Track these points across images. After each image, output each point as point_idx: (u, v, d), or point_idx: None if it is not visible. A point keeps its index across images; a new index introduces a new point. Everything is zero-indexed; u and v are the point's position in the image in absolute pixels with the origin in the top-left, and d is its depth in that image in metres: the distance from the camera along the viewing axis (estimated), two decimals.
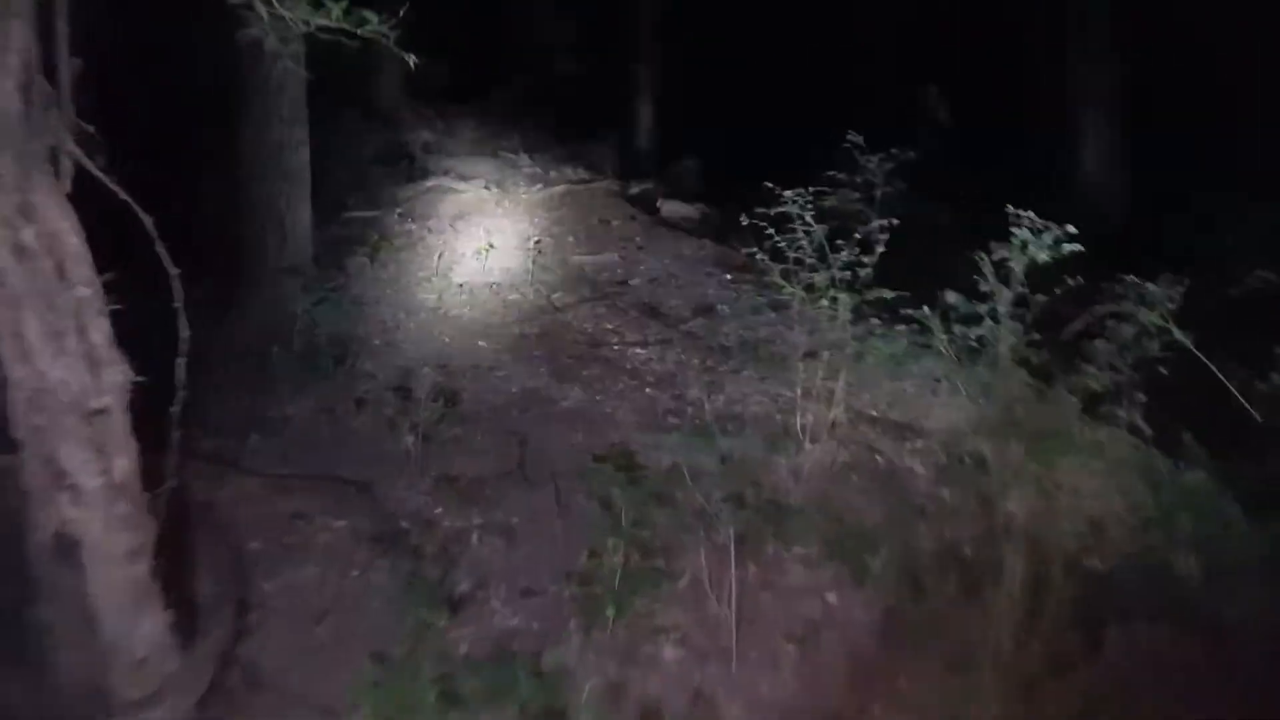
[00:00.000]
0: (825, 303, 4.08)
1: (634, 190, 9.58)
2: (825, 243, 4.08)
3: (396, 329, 5.69)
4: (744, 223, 4.22)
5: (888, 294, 4.03)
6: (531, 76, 11.78)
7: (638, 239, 7.46)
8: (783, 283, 4.12)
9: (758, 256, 4.17)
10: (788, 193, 4.10)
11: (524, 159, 10.68)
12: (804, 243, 4.06)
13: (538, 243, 7.12)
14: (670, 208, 8.51)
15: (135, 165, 2.84)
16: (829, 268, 4.09)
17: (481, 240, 6.86)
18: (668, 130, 10.34)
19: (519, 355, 5.43)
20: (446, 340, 5.64)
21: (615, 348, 5.57)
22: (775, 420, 4.43)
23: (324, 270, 5.90)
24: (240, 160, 5.58)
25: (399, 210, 8.45)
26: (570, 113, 10.95)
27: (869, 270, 4.04)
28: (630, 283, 6.59)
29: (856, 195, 5.45)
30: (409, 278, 6.42)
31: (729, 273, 6.78)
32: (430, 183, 9.37)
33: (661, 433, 4.41)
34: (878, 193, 5.39)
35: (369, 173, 9.69)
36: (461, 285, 6.26)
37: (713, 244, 7.49)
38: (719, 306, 6.12)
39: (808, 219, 4.08)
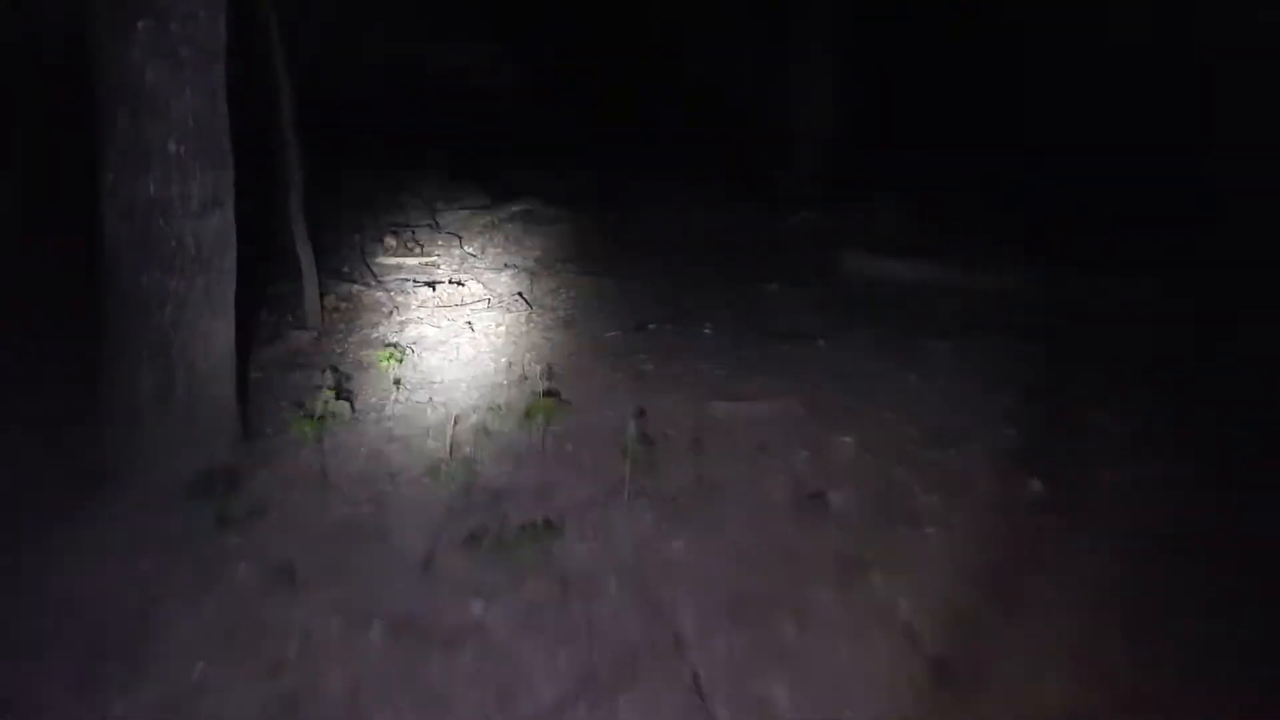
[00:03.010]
0: None
1: (793, 221, 6.76)
2: None
3: None
4: None
5: None
6: (678, 49, 9.20)
7: (823, 342, 4.27)
8: None
9: None
10: None
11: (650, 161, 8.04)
12: None
13: (640, 419, 3.33)
14: (860, 262, 5.51)
15: None
16: None
17: (540, 356, 4.07)
18: (845, 143, 7.39)
19: None
20: None
21: None
22: None
23: (243, 463, 3.18)
24: (102, 232, 3.03)
25: (462, 250, 5.91)
26: (719, 100, 8.27)
27: None
28: (826, 499, 2.97)
29: None
30: (377, 475, 3.11)
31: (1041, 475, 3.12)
32: (517, 206, 6.83)
33: None
34: None
35: (442, 186, 7.23)
36: (471, 535, 2.76)
37: (946, 357, 4.16)
38: None
39: None
